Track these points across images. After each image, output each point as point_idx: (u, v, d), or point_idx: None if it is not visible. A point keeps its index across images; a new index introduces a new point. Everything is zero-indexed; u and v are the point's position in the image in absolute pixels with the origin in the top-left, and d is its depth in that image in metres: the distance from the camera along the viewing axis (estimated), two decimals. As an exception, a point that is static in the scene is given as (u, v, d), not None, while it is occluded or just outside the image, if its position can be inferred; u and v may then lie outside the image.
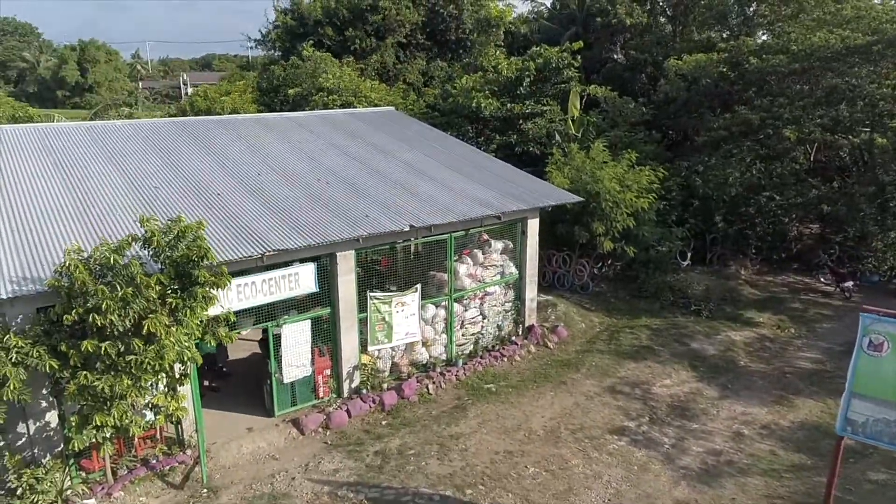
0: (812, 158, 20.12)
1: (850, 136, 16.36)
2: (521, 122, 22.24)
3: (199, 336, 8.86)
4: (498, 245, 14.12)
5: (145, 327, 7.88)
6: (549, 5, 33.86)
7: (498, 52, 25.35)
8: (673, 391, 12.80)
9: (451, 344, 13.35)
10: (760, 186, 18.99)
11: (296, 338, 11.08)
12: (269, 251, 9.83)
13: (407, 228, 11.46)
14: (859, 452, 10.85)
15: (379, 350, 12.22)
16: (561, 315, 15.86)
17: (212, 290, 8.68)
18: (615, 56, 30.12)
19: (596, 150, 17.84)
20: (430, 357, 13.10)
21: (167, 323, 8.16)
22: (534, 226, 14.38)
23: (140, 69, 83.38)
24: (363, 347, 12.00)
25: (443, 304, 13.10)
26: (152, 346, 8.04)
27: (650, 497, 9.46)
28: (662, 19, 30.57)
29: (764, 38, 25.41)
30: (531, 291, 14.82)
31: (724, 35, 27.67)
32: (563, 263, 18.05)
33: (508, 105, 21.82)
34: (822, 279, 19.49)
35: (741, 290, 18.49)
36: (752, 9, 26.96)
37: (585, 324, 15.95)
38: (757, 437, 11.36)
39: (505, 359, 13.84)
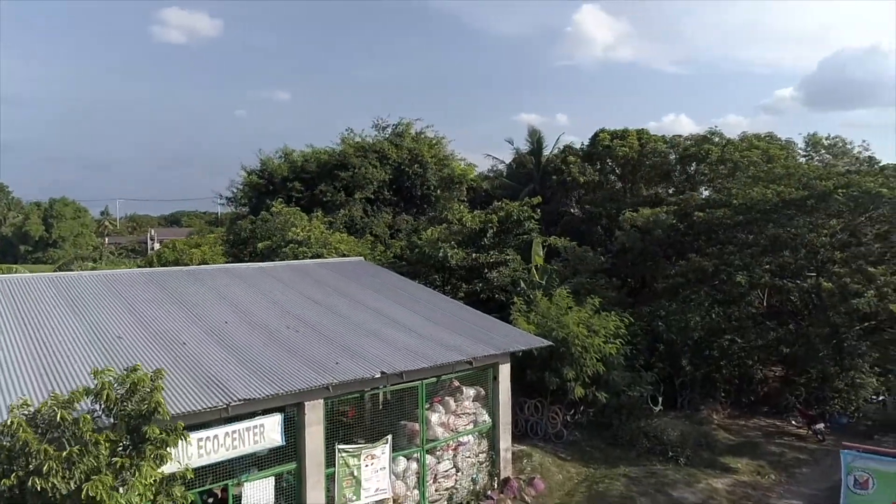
0: (766, 303, 20.97)
1: (798, 281, 17.23)
2: (486, 271, 22.89)
3: (151, 498, 8.13)
4: (470, 392, 13.85)
5: (84, 491, 7.18)
6: (507, 164, 36.38)
7: (462, 207, 26.64)
8: (660, 546, 12.08)
9: (424, 500, 12.54)
10: (721, 329, 19.50)
11: (258, 497, 10.29)
12: (235, 401, 9.42)
13: (378, 375, 11.22)
14: None
15: (346, 509, 11.37)
16: (537, 466, 15.25)
17: (164, 447, 8.11)
18: (572, 210, 32.00)
19: (559, 296, 18.27)
20: (401, 516, 12.22)
21: (111, 485, 7.48)
22: (505, 371, 14.26)
23: (108, 224, 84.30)
24: (329, 507, 11.17)
25: (414, 456, 12.50)
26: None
27: None
28: (612, 177, 33.02)
29: (707, 193, 27.53)
30: (505, 441, 14.33)
31: (671, 191, 29.93)
32: (535, 411, 17.67)
33: (474, 255, 22.55)
34: (793, 422, 19.48)
35: (716, 435, 18.22)
36: (692, 168, 29.51)
37: (562, 475, 15.30)
38: None
39: (480, 516, 13.00)
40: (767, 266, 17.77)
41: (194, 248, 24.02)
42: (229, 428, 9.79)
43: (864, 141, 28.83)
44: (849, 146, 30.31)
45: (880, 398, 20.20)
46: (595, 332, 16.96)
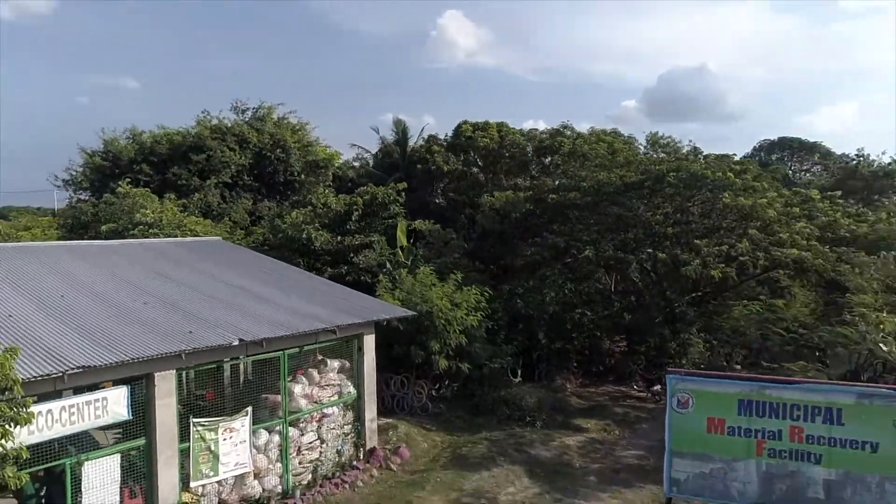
0: (612, 281, 22.85)
1: (637, 254, 18.99)
2: (351, 255, 22.78)
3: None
4: (334, 364, 13.75)
5: None
6: (374, 154, 36.40)
7: (327, 191, 26.28)
8: (518, 497, 12.76)
9: (288, 473, 12.27)
10: (573, 304, 20.96)
11: (101, 477, 9.53)
12: (71, 369, 8.65)
13: (236, 342, 10.82)
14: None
15: (203, 486, 10.86)
16: (403, 436, 15.46)
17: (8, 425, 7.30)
18: (437, 199, 32.72)
19: (424, 274, 18.66)
20: (264, 490, 11.86)
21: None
22: (370, 342, 14.31)
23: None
24: (184, 484, 10.59)
25: (277, 428, 12.20)
26: None
27: None
28: (475, 169, 34.21)
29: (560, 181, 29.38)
30: (371, 412, 14.39)
31: (528, 182, 31.60)
32: (401, 386, 17.92)
33: (339, 238, 22.35)
34: (634, 387, 21.38)
35: (569, 401, 19.55)
36: (548, 160, 31.39)
37: (428, 443, 15.65)
38: (599, 530, 11.56)
39: (347, 486, 12.96)
40: (612, 242, 19.38)
41: (23, 230, 21.57)
42: (66, 402, 9.00)
43: (690, 140, 32.35)
44: (679, 145, 33.83)
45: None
46: (457, 305, 17.53)
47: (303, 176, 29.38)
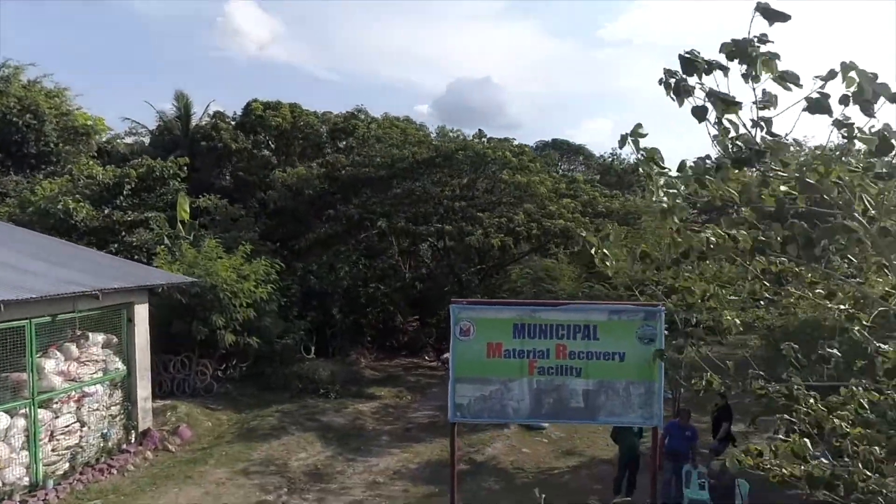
0: (406, 258, 23.45)
1: (428, 226, 19.76)
2: (123, 232, 20.41)
3: None
4: (98, 338, 12.15)
5: None
6: (150, 130, 33.08)
7: (91, 162, 23.20)
8: (310, 461, 12.47)
9: (37, 463, 10.56)
10: (367, 279, 21.09)
11: None
12: None
13: (-38, 305, 9.02)
14: (473, 472, 12.16)
15: (-84, 482, 8.89)
16: (183, 416, 14.22)
17: None
18: (225, 180, 30.71)
19: (209, 247, 17.37)
20: (4, 484, 10.07)
21: None
22: (142, 312, 12.93)
23: None
24: None
25: (21, 411, 10.43)
26: None
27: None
28: (267, 152, 32.77)
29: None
30: (144, 389, 13.00)
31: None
32: (182, 367, 16.47)
33: (107, 212, 19.90)
34: (426, 357, 22.19)
35: (363, 373, 19.64)
36: (342, 144, 31.23)
37: (212, 422, 14.58)
38: (391, 481, 11.76)
39: (115, 471, 11.52)
40: (404, 216, 19.88)
41: None
42: None
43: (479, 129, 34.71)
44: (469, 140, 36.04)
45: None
46: (245, 277, 16.61)
47: (60, 144, 25.60)
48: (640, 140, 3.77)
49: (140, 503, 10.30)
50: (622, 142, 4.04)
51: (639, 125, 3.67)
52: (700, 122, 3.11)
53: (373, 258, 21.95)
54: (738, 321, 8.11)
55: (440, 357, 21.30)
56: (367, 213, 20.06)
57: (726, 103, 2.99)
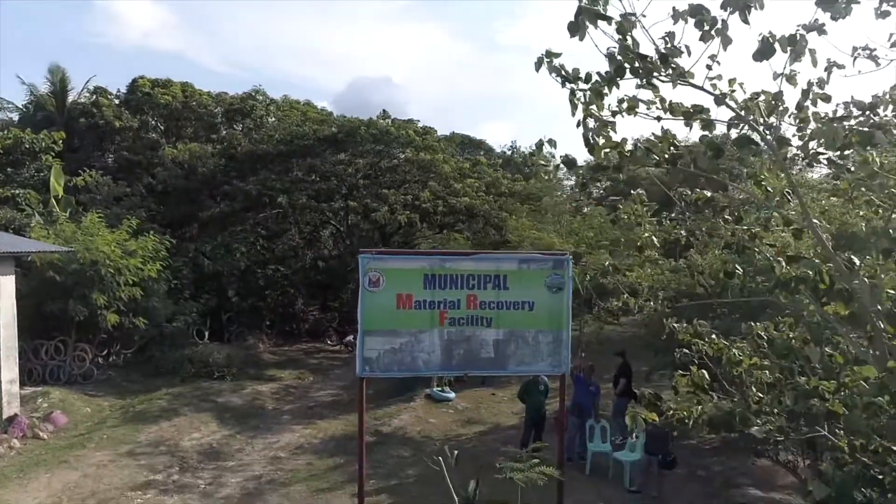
0: (307, 241, 22.65)
1: (331, 203, 19.15)
2: (-18, 211, 18.25)
3: None
4: (-48, 312, 10.74)
5: None
6: (19, 105, 30.00)
7: (-57, 134, 20.64)
8: (204, 441, 11.68)
9: None
10: (266, 260, 20.16)
11: None
12: None
13: None
14: (381, 442, 11.85)
15: None
16: (57, 403, 12.88)
17: None
18: (107, 162, 28.34)
19: (90, 222, 15.85)
20: None
21: None
22: (8, 286, 11.56)
23: None
24: None
25: None
26: None
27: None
28: (154, 135, 30.58)
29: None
30: (10, 371, 11.64)
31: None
32: (56, 353, 14.92)
33: (-40, 187, 17.75)
34: (328, 341, 21.56)
35: (262, 357, 18.79)
36: (240, 126, 29.69)
37: (91, 408, 13.31)
38: (293, 456, 11.26)
39: (-27, 460, 10.20)
40: (305, 192, 19.15)
41: None
42: None
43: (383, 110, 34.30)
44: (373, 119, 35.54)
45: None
46: (131, 253, 15.33)
47: None
48: (555, 59, 3.82)
49: (6, 491, 9.13)
50: (538, 64, 3.96)
51: (552, 50, 3.73)
52: (572, 36, 3.31)
53: (272, 239, 21.04)
54: (646, 285, 8.43)
55: (343, 340, 20.76)
56: (267, 189, 19.14)
57: (598, 17, 3.25)
